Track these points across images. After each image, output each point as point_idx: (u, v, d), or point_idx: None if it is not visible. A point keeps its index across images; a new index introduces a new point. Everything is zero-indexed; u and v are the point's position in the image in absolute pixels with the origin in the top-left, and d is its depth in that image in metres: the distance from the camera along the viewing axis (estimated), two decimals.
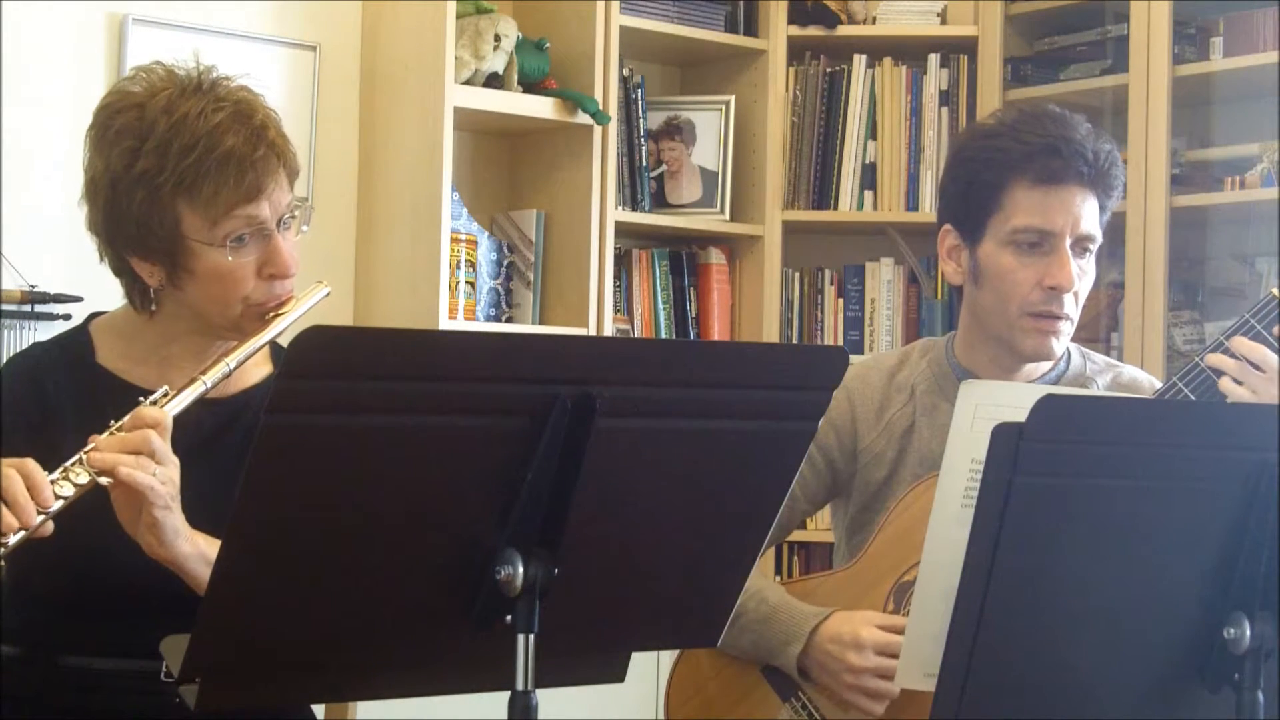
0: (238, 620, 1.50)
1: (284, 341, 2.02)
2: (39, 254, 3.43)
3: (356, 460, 1.46)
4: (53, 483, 1.80)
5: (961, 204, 2.31)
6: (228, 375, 1.95)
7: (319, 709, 2.42)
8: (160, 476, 1.82)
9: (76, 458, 1.82)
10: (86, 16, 3.62)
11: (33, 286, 3.40)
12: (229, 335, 2.00)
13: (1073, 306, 2.26)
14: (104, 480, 1.81)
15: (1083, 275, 2.26)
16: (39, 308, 3.40)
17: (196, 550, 1.86)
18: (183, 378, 1.94)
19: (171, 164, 1.92)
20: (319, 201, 3.92)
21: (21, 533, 1.76)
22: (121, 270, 2.03)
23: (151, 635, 1.83)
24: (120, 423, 1.86)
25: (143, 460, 1.82)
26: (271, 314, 1.99)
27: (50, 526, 1.79)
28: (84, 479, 1.81)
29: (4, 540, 1.75)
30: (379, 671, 1.64)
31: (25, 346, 2.18)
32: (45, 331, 3.23)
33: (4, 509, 1.75)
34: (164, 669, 1.89)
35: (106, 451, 1.82)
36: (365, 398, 1.43)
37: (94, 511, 1.86)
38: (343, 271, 3.99)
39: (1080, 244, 2.25)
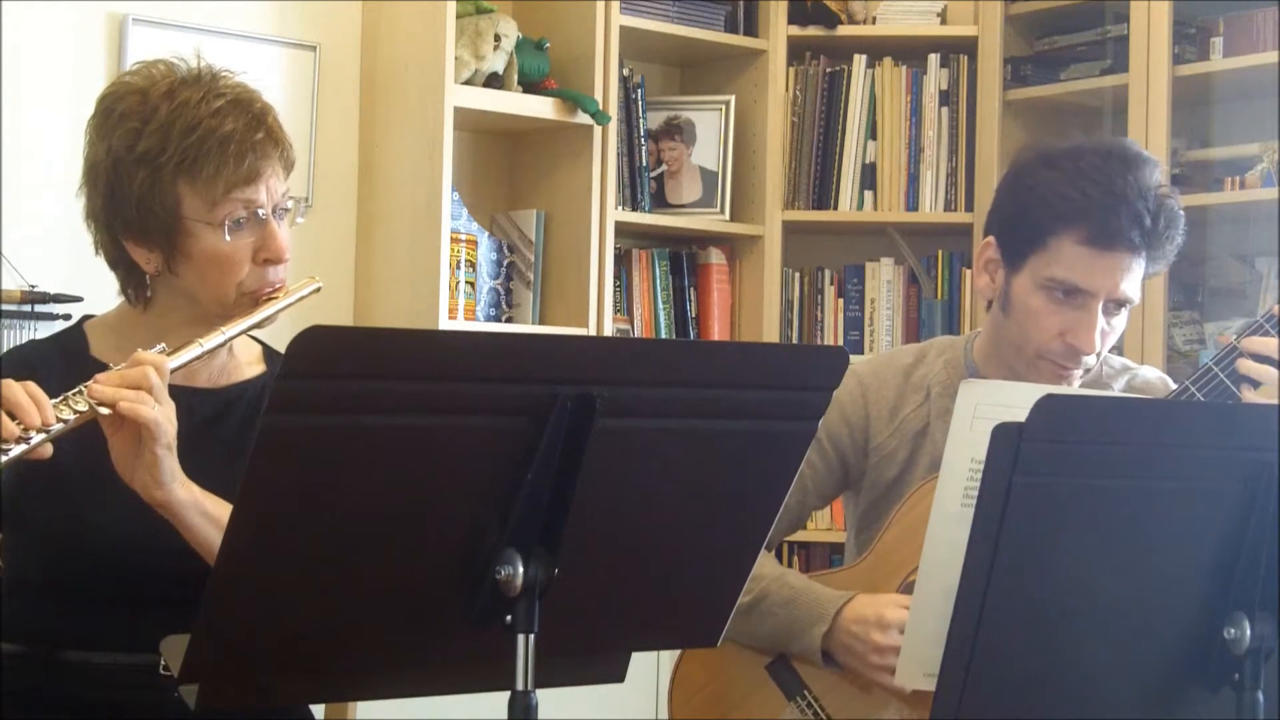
0: (237, 620, 1.50)
1: (275, 330, 2.05)
2: (39, 254, 3.43)
3: (356, 460, 1.46)
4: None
5: (1009, 227, 2.27)
6: (222, 344, 1.97)
7: (319, 709, 2.42)
8: (161, 413, 1.83)
9: (76, 390, 1.83)
10: (86, 16, 3.63)
11: (33, 286, 3.40)
12: (219, 326, 2.01)
13: (1091, 360, 2.24)
14: (104, 411, 1.81)
15: (1108, 335, 2.23)
16: (39, 308, 3.41)
17: (191, 497, 1.87)
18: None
19: (174, 144, 1.96)
20: (319, 201, 3.92)
21: (22, 446, 1.77)
22: (118, 260, 2.05)
23: (149, 629, 1.83)
24: (120, 366, 1.87)
25: (143, 396, 1.83)
26: (264, 298, 2.02)
27: (49, 449, 1.80)
28: (83, 408, 1.81)
29: (5, 448, 1.76)
30: (379, 671, 1.64)
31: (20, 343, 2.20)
32: (45, 332, 3.23)
33: (4, 418, 1.76)
34: (162, 663, 1.89)
35: (107, 385, 1.83)
36: (365, 398, 1.43)
37: (91, 495, 1.88)
38: (343, 271, 3.99)
39: (1115, 303, 2.22)
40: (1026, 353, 2.24)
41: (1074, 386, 2.28)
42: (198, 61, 2.04)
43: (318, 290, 2.08)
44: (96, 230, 2.05)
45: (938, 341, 2.45)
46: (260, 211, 1.99)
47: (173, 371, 1.89)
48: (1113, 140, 2.32)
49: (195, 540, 1.88)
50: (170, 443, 1.84)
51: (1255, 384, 2.15)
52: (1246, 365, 2.15)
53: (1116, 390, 2.33)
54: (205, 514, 1.88)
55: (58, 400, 1.82)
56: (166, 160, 1.96)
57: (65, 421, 1.80)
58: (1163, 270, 2.27)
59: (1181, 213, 2.25)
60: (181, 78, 2.01)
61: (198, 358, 1.94)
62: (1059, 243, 2.20)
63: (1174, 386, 2.34)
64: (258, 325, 2.03)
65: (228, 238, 1.98)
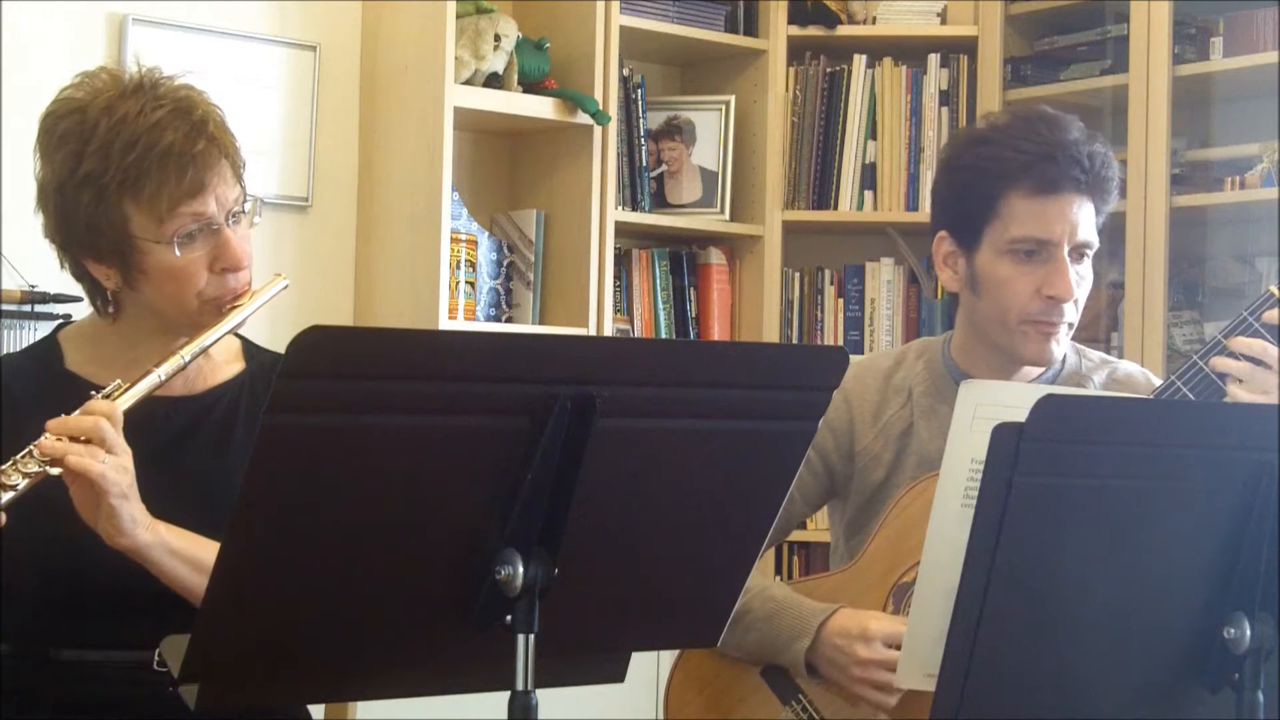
0: (238, 620, 1.50)
1: (274, 330, 2.04)
2: (39, 254, 3.42)
3: (356, 460, 1.46)
4: (1, 473, 1.81)
5: (957, 212, 2.31)
6: (182, 368, 1.96)
7: (319, 709, 2.42)
8: (111, 465, 1.83)
9: (26, 450, 1.83)
10: (86, 16, 3.62)
11: (33, 286, 3.40)
12: (190, 333, 2.01)
13: (1073, 312, 2.26)
14: (54, 470, 1.82)
15: (1081, 281, 2.26)
16: (39, 308, 3.40)
17: (157, 539, 1.87)
18: None
19: (114, 163, 1.94)
20: (319, 201, 3.92)
21: None
22: (80, 275, 2.05)
23: (143, 630, 1.84)
24: (74, 415, 1.87)
25: (93, 449, 1.83)
26: (229, 307, 2.00)
27: (2, 518, 1.81)
28: (34, 469, 1.82)
29: None
30: (379, 671, 1.64)
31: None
32: (45, 331, 3.23)
33: None
34: (155, 658, 1.90)
35: (56, 441, 1.83)
36: (365, 398, 1.43)
37: (80, 519, 1.86)
38: (343, 271, 3.99)
39: (1078, 250, 2.25)
40: (1010, 323, 2.26)
41: (1056, 363, 2.31)
42: (139, 67, 2.01)
43: (285, 288, 2.06)
44: (56, 249, 2.05)
45: (915, 344, 2.47)
46: (212, 223, 1.97)
47: (130, 407, 1.89)
48: (1027, 107, 2.37)
49: (167, 579, 1.88)
50: (124, 492, 1.84)
51: (1239, 378, 2.16)
52: (1223, 363, 2.15)
53: (1097, 383, 2.34)
54: (173, 552, 1.88)
55: (8, 465, 1.82)
56: (109, 181, 1.94)
57: (16, 488, 1.81)
58: (1107, 211, 2.29)
59: (1113, 157, 2.29)
60: (122, 90, 1.98)
61: (156, 387, 1.93)
62: (1008, 205, 2.23)
63: (1155, 380, 2.35)
64: (224, 335, 2.01)
65: (178, 253, 1.95)
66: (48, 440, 1.83)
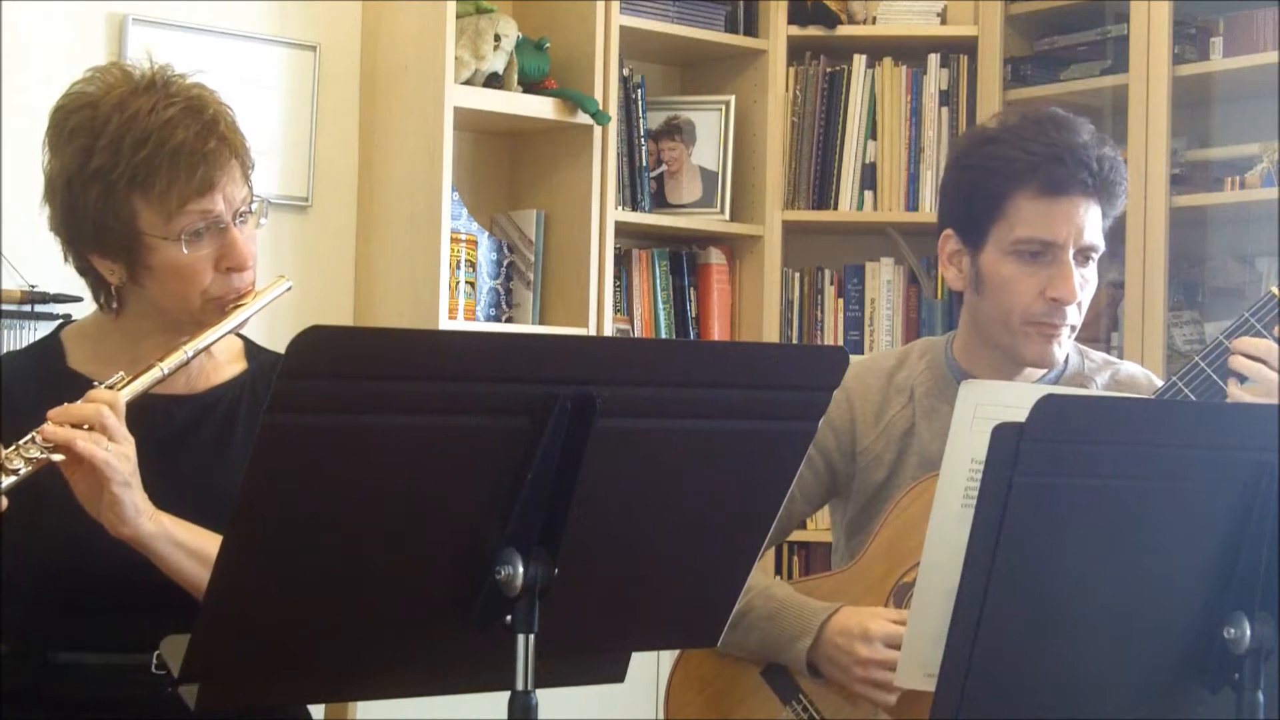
0: (238, 620, 1.50)
1: (275, 330, 2.04)
2: (39, 254, 3.43)
3: (356, 460, 1.46)
4: (4, 458, 1.81)
5: (963, 210, 2.30)
6: (185, 363, 1.96)
7: (319, 709, 2.42)
8: (114, 452, 1.83)
9: (29, 436, 1.83)
10: (86, 16, 3.62)
11: (33, 286, 3.40)
12: (192, 331, 2.01)
13: (1075, 315, 2.26)
14: (57, 457, 1.82)
15: (1085, 284, 2.25)
16: (39, 308, 3.40)
17: (160, 529, 1.87)
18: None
19: (125, 159, 1.94)
20: (319, 201, 3.92)
21: None
22: (85, 270, 2.05)
23: (142, 631, 1.83)
24: (72, 405, 1.87)
25: (96, 436, 1.83)
26: (232, 306, 2.01)
27: (4, 503, 1.81)
28: (37, 454, 1.82)
29: None
30: (379, 671, 1.64)
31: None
32: (45, 331, 3.23)
33: None
34: (154, 661, 1.90)
35: (60, 428, 1.83)
36: (365, 397, 1.43)
37: (80, 513, 1.87)
38: (343, 271, 3.99)
39: (1083, 253, 2.25)
40: (1012, 324, 2.26)
41: (1058, 365, 2.31)
42: (151, 65, 2.01)
43: (288, 290, 2.07)
44: (61, 243, 2.05)
45: (918, 344, 2.46)
46: (219, 221, 1.97)
47: (131, 399, 1.89)
48: (1037, 107, 2.37)
49: (169, 570, 1.88)
50: (127, 480, 1.84)
51: (1242, 379, 2.17)
52: (1239, 362, 2.16)
53: (1099, 385, 2.35)
54: (177, 544, 1.88)
55: (10, 450, 1.82)
56: (119, 176, 1.94)
57: (17, 473, 1.81)
58: (1114, 215, 2.29)
59: (1121, 159, 2.29)
60: (133, 86, 1.98)
61: (159, 381, 1.93)
62: (1015, 205, 2.23)
63: (1158, 382, 2.35)
64: (227, 334, 2.01)
65: (185, 250, 1.96)
66: (50, 427, 1.83)
